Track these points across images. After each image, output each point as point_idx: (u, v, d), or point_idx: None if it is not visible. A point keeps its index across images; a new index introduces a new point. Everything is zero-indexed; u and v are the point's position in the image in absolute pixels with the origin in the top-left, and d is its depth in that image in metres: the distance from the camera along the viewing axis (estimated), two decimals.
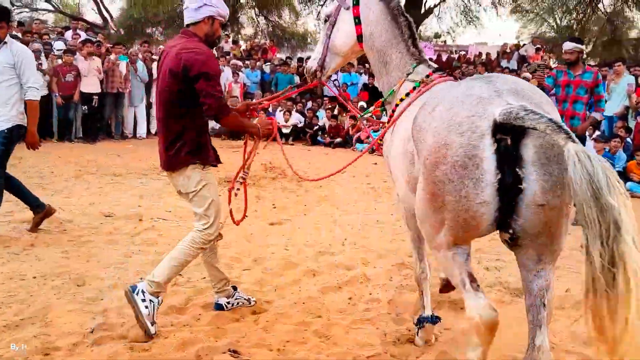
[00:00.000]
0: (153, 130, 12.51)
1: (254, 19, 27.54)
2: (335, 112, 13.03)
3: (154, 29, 25.20)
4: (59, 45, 11.01)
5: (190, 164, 3.18)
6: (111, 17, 28.68)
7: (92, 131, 11.12)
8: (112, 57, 11.07)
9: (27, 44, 10.36)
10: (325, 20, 3.34)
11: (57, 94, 10.51)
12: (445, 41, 29.22)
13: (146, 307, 3.09)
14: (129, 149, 10.72)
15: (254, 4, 25.60)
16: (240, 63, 14.77)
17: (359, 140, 12.10)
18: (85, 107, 10.83)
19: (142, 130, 12.15)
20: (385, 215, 6.30)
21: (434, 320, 3.23)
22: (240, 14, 26.08)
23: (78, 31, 13.16)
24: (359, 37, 3.21)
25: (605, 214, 1.72)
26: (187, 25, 3.28)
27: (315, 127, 13.00)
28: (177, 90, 3.09)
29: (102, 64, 10.91)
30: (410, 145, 2.54)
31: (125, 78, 11.30)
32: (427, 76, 2.98)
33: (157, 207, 6.20)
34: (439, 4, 20.99)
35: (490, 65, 17.36)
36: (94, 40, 11.90)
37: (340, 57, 3.39)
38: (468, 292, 2.25)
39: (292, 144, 12.64)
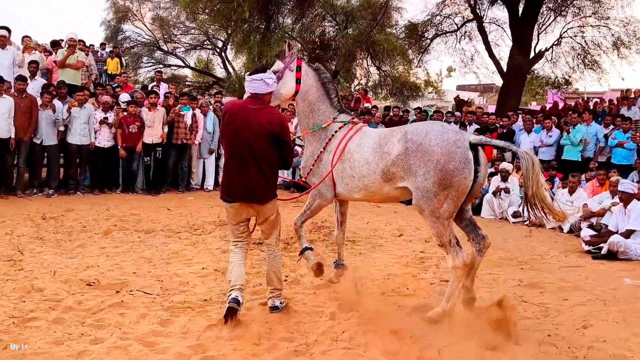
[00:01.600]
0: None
1: (367, 70, 27.36)
2: None
3: None
4: (124, 97, 11.07)
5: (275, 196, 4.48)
6: (234, 70, 30.05)
7: (155, 182, 10.92)
8: (177, 108, 10.91)
9: (97, 96, 10.57)
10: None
11: (120, 146, 10.47)
12: (577, 88, 26.62)
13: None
14: (188, 201, 10.35)
15: (367, 54, 25.32)
16: None
17: None
18: (148, 158, 10.70)
19: (209, 182, 11.79)
20: (414, 298, 5.05)
21: (309, 249, 5.16)
22: (353, 65, 25.89)
23: (161, 83, 13.38)
24: (296, 92, 4.96)
25: (535, 175, 4.13)
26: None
27: None
28: (274, 142, 4.23)
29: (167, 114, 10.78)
30: (386, 151, 4.41)
31: (190, 129, 11.07)
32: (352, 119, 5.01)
33: (152, 276, 5.48)
34: (551, 47, 19.09)
35: (610, 112, 15.25)
36: (167, 91, 11.90)
37: (278, 101, 4.99)
38: (454, 247, 4.23)
39: None
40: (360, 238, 7.62)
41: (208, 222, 8.29)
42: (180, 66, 31.87)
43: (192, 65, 32.29)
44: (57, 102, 9.98)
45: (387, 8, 22.76)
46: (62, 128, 10.01)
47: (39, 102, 9.75)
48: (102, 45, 17.43)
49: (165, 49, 30.58)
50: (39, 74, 10.67)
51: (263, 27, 19.34)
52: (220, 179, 11.63)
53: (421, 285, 5.51)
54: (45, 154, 10.01)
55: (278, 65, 4.86)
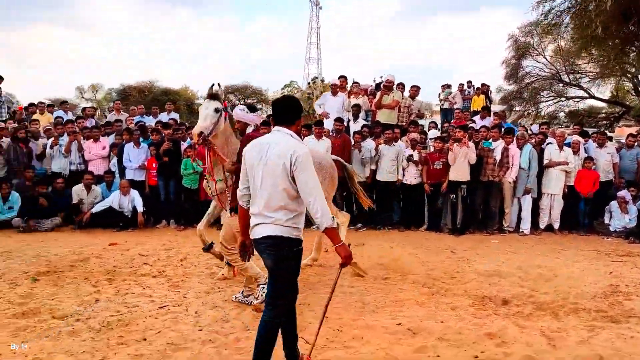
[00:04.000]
0: (542, 225, 10.50)
1: None
2: None
3: None
4: (432, 133, 10.82)
5: None
6: None
7: (462, 222, 10.25)
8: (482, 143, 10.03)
9: (408, 133, 10.75)
10: (216, 111, 5.64)
11: (426, 182, 10.31)
12: None
13: None
14: (486, 245, 9.29)
15: None
16: None
17: None
18: (454, 195, 10.13)
19: (525, 225, 10.35)
20: None
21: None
22: None
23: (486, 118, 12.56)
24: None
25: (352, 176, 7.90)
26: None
27: None
28: None
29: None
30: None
31: (500, 165, 10.01)
32: None
33: None
34: None
35: None
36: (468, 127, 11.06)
37: (214, 133, 5.61)
38: (337, 215, 7.04)
39: None
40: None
41: (481, 272, 7.21)
42: (583, 97, 29.52)
43: (597, 95, 29.39)
44: (368, 142, 10.57)
45: None
46: (373, 167, 10.52)
47: (352, 142, 10.54)
48: (469, 82, 17.65)
49: (567, 80, 28.72)
50: (362, 115, 11.55)
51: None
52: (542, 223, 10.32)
53: None
54: None
55: (219, 104, 5.68)
